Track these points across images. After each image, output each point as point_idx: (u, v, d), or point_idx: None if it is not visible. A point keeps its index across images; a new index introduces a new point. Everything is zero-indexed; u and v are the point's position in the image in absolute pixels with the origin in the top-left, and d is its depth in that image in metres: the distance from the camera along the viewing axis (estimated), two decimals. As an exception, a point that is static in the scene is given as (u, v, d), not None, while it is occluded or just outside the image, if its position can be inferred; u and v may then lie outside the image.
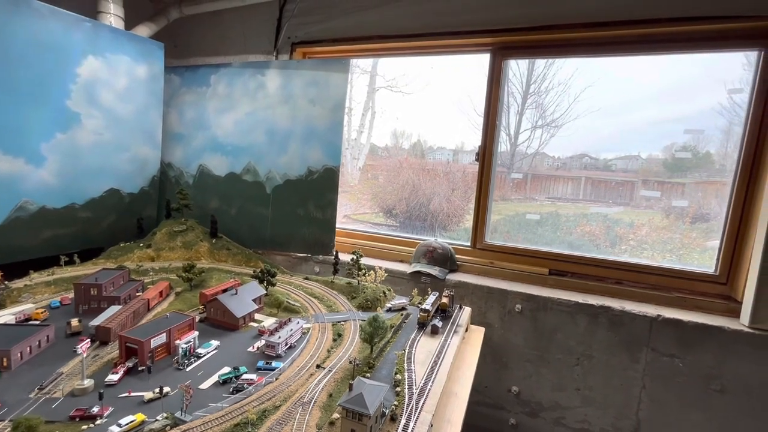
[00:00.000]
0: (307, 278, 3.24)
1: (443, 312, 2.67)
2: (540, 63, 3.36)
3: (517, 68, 3.40)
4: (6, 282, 2.56)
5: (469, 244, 3.51)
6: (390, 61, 4.10)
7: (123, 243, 3.52)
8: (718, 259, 2.77)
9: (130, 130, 3.67)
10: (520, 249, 3.30)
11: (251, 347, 2.16)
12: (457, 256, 3.42)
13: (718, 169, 2.79)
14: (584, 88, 3.19)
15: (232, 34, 4.14)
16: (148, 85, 3.75)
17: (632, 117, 3.10)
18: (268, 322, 2.45)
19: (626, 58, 3.01)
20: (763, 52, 2.56)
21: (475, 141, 3.35)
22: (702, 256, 2.91)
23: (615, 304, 2.75)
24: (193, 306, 2.67)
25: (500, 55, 3.24)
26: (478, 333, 2.79)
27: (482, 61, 3.31)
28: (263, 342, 2.12)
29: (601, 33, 2.84)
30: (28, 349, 1.94)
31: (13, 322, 2.20)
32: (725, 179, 2.77)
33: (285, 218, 3.78)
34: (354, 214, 4.67)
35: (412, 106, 4.11)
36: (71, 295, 2.60)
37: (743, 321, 2.51)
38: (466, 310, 2.80)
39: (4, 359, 1.82)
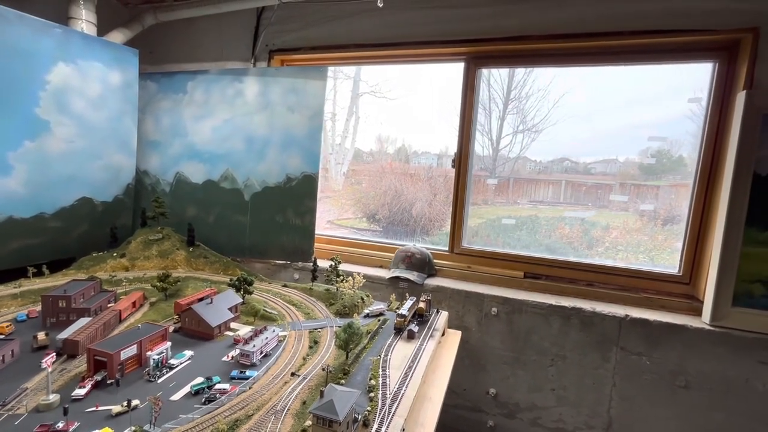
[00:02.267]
0: (285, 285, 3.23)
1: (420, 317, 2.70)
2: (520, 70, 3.47)
3: (498, 75, 3.49)
4: (-31, 295, 2.47)
5: (447, 248, 3.56)
6: (372, 68, 4.15)
7: (95, 253, 3.44)
8: (681, 259, 2.89)
9: (103, 137, 3.61)
10: (496, 253, 3.37)
11: (225, 356, 2.14)
12: (435, 260, 3.47)
13: (690, 172, 2.92)
14: (562, 94, 3.31)
15: (209, 40, 4.12)
16: (122, 91, 3.69)
17: (609, 122, 3.23)
18: (244, 330, 2.43)
19: (596, 67, 3.14)
20: (717, 64, 2.71)
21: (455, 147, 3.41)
22: (671, 257, 3.04)
23: (586, 305, 2.84)
24: (168, 316, 2.63)
25: (474, 64, 3.32)
26: (455, 336, 2.83)
27: (459, 69, 3.39)
28: (238, 351, 2.10)
29: (568, 44, 2.96)
30: (-9, 364, 1.88)
31: (-24, 337, 2.13)
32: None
33: (264, 225, 3.76)
34: (338, 219, 4.67)
35: (395, 111, 4.17)
36: (39, 307, 2.52)
37: (704, 319, 2.62)
38: (443, 315, 2.84)
39: (-35, 376, 1.76)
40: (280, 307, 2.84)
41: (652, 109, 3.07)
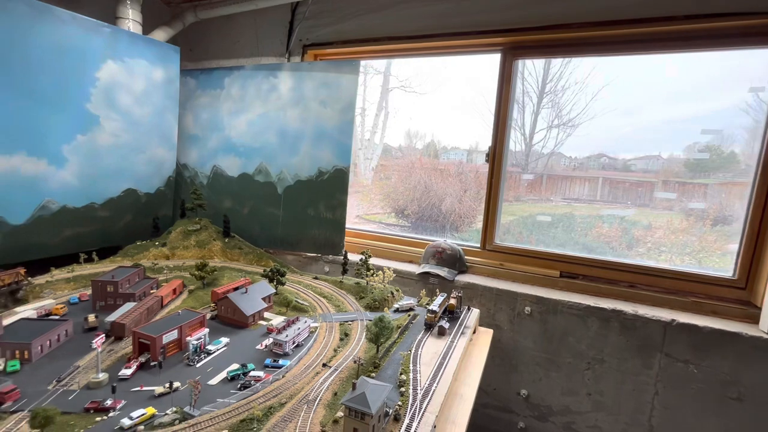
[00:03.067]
0: (316, 278, 3.28)
1: (451, 313, 2.66)
2: (556, 61, 3.32)
3: (533, 67, 3.36)
4: (28, 278, 2.67)
5: (478, 245, 3.49)
6: (403, 62, 4.10)
7: (139, 242, 3.62)
8: (736, 262, 2.68)
9: (147, 132, 3.78)
10: (530, 251, 3.26)
11: (259, 345, 2.20)
12: (466, 257, 3.41)
13: (743, 170, 2.69)
14: (602, 86, 3.13)
15: (245, 37, 4.21)
16: (164, 88, 3.85)
17: (652, 116, 3.03)
18: (277, 320, 2.49)
19: (642, 56, 2.95)
20: (785, 49, 2.47)
21: (489, 141, 3.31)
22: (722, 260, 2.82)
23: (627, 307, 2.69)
24: (205, 303, 2.73)
25: (510, 55, 3.21)
26: (486, 335, 2.77)
27: (495, 60, 3.28)
28: (271, 340, 2.15)
29: (613, 32, 2.79)
30: (48, 342, 2.02)
31: (35, 316, 2.29)
32: (749, 180, 2.67)
33: (296, 218, 3.83)
34: (366, 214, 4.69)
35: (425, 105, 4.11)
36: (89, 291, 2.69)
37: (763, 327, 2.42)
38: (475, 312, 2.79)
39: (26, 352, 1.91)
40: (311, 299, 2.88)
41: (700, 101, 2.85)
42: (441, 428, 1.74)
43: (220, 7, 3.95)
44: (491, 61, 3.34)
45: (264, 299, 2.61)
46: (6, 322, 2.12)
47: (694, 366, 2.51)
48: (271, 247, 3.85)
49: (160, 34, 3.91)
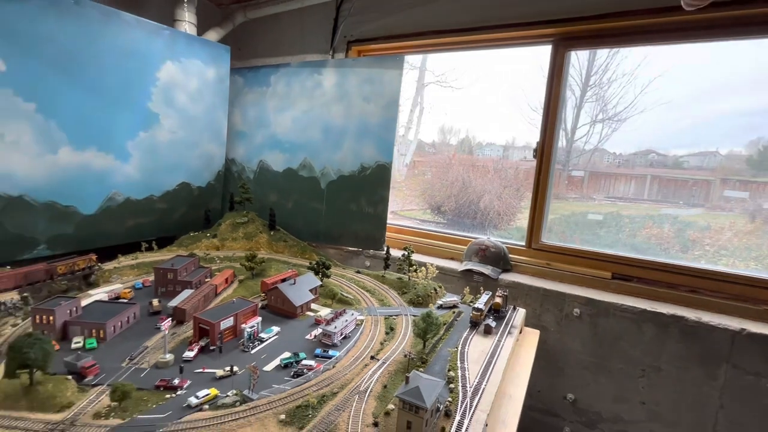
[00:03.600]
0: (358, 272, 3.33)
1: (496, 312, 2.61)
2: (602, 52, 3.14)
3: (576, 59, 3.20)
4: (99, 264, 2.90)
5: (523, 243, 3.40)
6: (439, 56, 4.04)
7: (192, 232, 3.83)
8: (819, 269, 2.44)
9: (200, 128, 3.98)
10: (580, 251, 3.13)
11: (309, 335, 2.26)
12: (510, 255, 3.33)
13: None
14: (653, 78, 2.92)
15: (291, 35, 4.31)
16: (215, 86, 4.03)
17: (709, 109, 2.79)
18: (324, 312, 2.55)
19: (704, 44, 2.72)
20: None
21: (527, 137, 3.22)
22: (799, 266, 2.58)
23: (689, 314, 2.53)
24: (255, 293, 2.84)
25: (563, 46, 3.07)
26: (533, 335, 2.70)
27: (537, 53, 3.16)
28: (320, 331, 2.21)
29: (670, 18, 2.60)
30: (120, 323, 2.19)
31: (106, 299, 2.49)
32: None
33: (338, 213, 3.90)
34: (401, 210, 4.68)
35: (461, 101, 4.04)
36: (151, 277, 2.88)
37: None
38: (521, 312, 2.72)
39: (101, 331, 2.08)
40: (355, 292, 2.93)
41: (764, 92, 2.59)
42: (492, 428, 1.72)
43: (268, 6, 4.07)
44: (534, 54, 3.22)
45: (311, 291, 2.69)
46: (83, 303, 2.32)
47: (766, 380, 2.32)
48: (313, 241, 3.94)
49: (213, 35, 4.08)
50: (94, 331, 2.07)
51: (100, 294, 2.53)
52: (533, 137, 3.26)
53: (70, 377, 1.69)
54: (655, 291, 2.78)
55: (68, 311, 2.10)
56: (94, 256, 2.83)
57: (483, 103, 3.93)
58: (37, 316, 2.02)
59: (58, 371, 1.73)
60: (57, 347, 1.94)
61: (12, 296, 2.31)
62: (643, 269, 2.90)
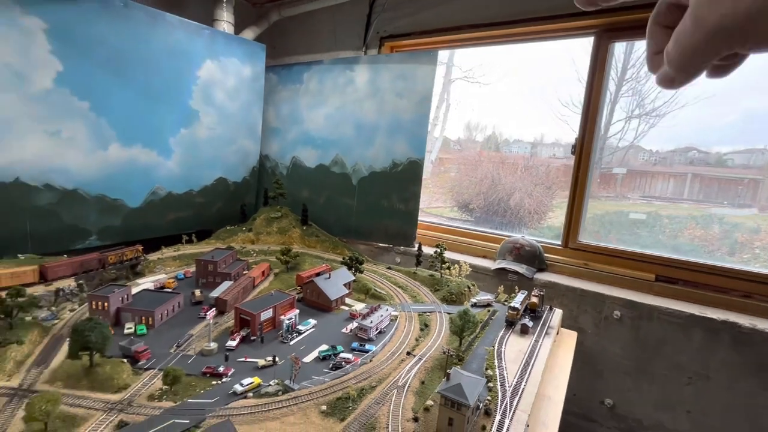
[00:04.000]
0: (390, 268, 3.34)
1: (532, 312, 2.56)
2: (641, 43, 2.99)
3: (613, 51, 3.06)
4: (145, 255, 3.04)
5: (558, 242, 3.30)
6: (467, 52, 3.96)
7: (228, 226, 3.95)
8: None
9: (236, 125, 4.09)
10: (620, 251, 3.02)
11: (344, 329, 2.30)
12: (545, 254, 3.24)
13: None
14: None
15: (324, 32, 4.36)
16: (251, 84, 4.13)
17: (756, 104, 2.62)
18: (358, 306, 2.58)
19: None
20: None
21: (556, 133, 3.12)
22: None
23: (743, 320, 2.39)
24: (290, 286, 2.91)
25: (606, 37, 2.95)
26: (570, 337, 2.63)
27: (569, 46, 3.04)
28: (356, 325, 2.24)
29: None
30: (166, 312, 2.29)
31: (153, 288, 2.61)
32: None
33: (369, 209, 3.92)
34: (427, 207, 4.66)
35: (488, 97, 3.95)
36: (192, 268, 3.00)
37: None
38: (557, 312, 2.65)
39: (150, 318, 2.18)
40: (388, 288, 2.94)
41: None
42: (532, 429, 1.69)
43: (302, 4, 4.12)
44: (566, 48, 3.11)
45: (345, 285, 2.72)
46: (132, 291, 2.44)
47: (830, 393, 2.17)
48: (344, 236, 3.98)
49: (249, 34, 4.18)
50: (143, 318, 2.18)
51: (147, 283, 2.66)
52: (563, 134, 3.17)
53: (125, 360, 1.79)
54: (703, 295, 2.64)
55: (120, 298, 2.22)
56: (140, 247, 2.98)
57: (511, 99, 3.84)
58: (94, 302, 2.15)
59: (113, 354, 1.83)
60: (112, 332, 2.06)
61: (69, 283, 2.46)
62: (690, 272, 2.75)
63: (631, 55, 3.08)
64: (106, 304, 2.14)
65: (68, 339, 1.76)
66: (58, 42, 2.73)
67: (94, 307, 2.15)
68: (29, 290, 2.18)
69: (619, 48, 3.06)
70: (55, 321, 2.13)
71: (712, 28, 0.36)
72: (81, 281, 2.52)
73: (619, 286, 2.90)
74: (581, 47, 3.08)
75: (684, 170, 3.04)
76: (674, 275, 2.80)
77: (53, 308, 2.26)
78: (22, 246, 2.80)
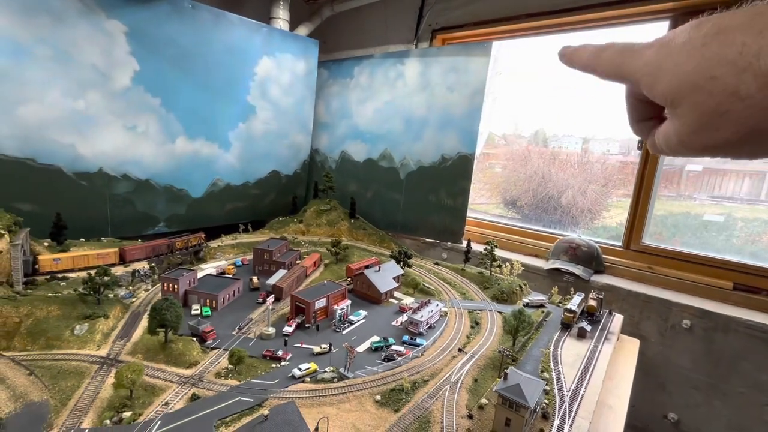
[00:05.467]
0: (437, 263, 3.31)
1: (590, 315, 2.43)
2: None
3: None
4: (207, 242, 3.25)
5: (619, 243, 3.11)
6: (514, 44, 3.78)
7: (281, 217, 4.12)
8: None
9: (290, 120, 4.23)
10: (692, 255, 2.78)
11: (395, 322, 2.32)
12: (603, 256, 3.06)
13: None
14: None
15: (375, 25, 4.36)
16: (304, 79, 4.25)
17: None
18: (408, 300, 2.59)
19: None
20: None
21: (611, 128, 2.87)
22: None
23: (842, 338, 2.12)
24: (340, 277, 2.98)
25: (682, 21, 2.69)
26: (632, 345, 2.47)
27: (626, 33, 2.78)
28: (406, 318, 2.25)
29: None
30: (227, 296, 2.44)
31: (215, 273, 2.79)
32: None
33: (416, 204, 3.91)
34: (472, 204, 4.55)
35: (536, 90, 3.76)
36: (249, 256, 3.16)
37: None
38: (618, 318, 2.50)
39: (214, 301, 2.33)
40: (435, 284, 2.92)
41: None
42: (593, 437, 1.61)
43: (354, -1, 4.16)
44: (622, 37, 2.85)
45: (394, 279, 2.74)
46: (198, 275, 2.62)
47: None
48: (391, 230, 4.00)
49: (302, 30, 4.29)
50: (208, 300, 2.34)
51: (209, 268, 2.84)
52: (618, 129, 2.94)
53: (194, 339, 1.93)
54: (792, 307, 2.37)
55: (188, 281, 2.39)
56: (203, 235, 3.18)
57: (560, 92, 3.63)
58: (166, 284, 2.34)
59: (183, 333, 1.98)
60: (181, 312, 2.23)
61: (143, 265, 2.69)
62: (776, 281, 2.48)
63: None
64: (176, 286, 2.31)
65: (147, 315, 1.92)
66: (135, 43, 2.97)
67: (165, 288, 2.34)
68: (112, 270, 2.41)
69: None
70: (133, 299, 2.34)
71: (697, 149, 0.43)
72: (153, 264, 2.75)
73: (689, 293, 2.68)
74: (640, 36, 2.84)
75: (762, 168, 2.74)
76: (755, 284, 2.54)
77: (130, 287, 2.48)
78: (103, 230, 3.09)
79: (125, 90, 3.00)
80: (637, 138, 2.97)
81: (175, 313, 1.79)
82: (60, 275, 2.39)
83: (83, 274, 2.24)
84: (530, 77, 3.81)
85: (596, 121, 3.52)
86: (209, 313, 2.27)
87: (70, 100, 2.77)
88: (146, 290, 2.48)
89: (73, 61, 2.75)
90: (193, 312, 2.26)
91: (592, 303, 2.45)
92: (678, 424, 2.63)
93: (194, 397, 1.53)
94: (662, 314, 2.63)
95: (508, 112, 4.15)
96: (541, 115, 3.93)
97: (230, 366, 1.74)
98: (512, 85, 3.96)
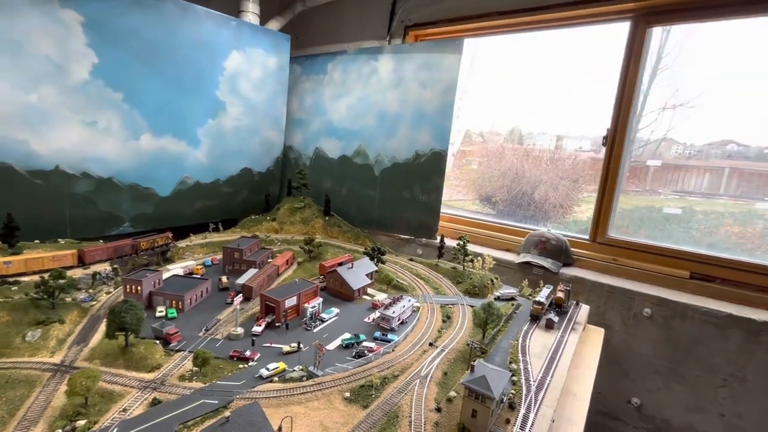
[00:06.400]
0: (411, 259, 3.33)
1: (558, 307, 2.50)
2: (677, 31, 2.82)
3: (646, 39, 2.90)
4: (174, 242, 3.15)
5: (586, 236, 3.21)
6: (491, 43, 3.85)
7: (253, 215, 4.03)
8: None
9: (261, 116, 4.15)
10: (653, 247, 2.90)
11: (367, 318, 2.31)
12: (572, 249, 3.16)
13: None
14: (741, 58, 2.57)
15: (348, 22, 4.33)
16: (276, 74, 4.16)
17: None
18: (381, 296, 2.59)
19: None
20: None
21: (582, 126, 2.99)
22: None
23: (786, 321, 2.26)
24: (313, 275, 2.94)
25: (644, 22, 2.81)
26: (597, 334, 2.56)
27: (599, 35, 2.88)
28: (378, 314, 2.25)
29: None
30: (195, 296, 2.37)
31: (182, 274, 2.70)
32: None
33: (391, 200, 3.91)
34: (448, 200, 4.60)
35: (511, 89, 3.84)
36: (219, 256, 3.08)
37: None
38: (584, 308, 2.58)
39: (180, 302, 2.26)
40: (409, 279, 2.93)
41: None
42: (558, 425, 1.66)
43: (326, -7, 4.10)
44: (593, 35, 2.95)
45: (367, 275, 2.73)
46: (163, 276, 2.53)
47: None
48: (366, 227, 3.99)
49: (274, 24, 4.20)
50: (174, 301, 2.26)
51: (176, 269, 2.75)
52: (590, 126, 3.05)
53: (157, 342, 1.86)
54: (743, 294, 2.51)
55: (152, 282, 2.31)
56: (170, 234, 3.08)
57: (535, 90, 3.71)
58: (128, 286, 2.25)
59: (146, 336, 1.91)
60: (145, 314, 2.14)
61: (105, 267, 2.58)
62: (729, 269, 2.62)
63: (667, 42, 2.91)
64: (139, 287, 2.22)
65: (105, 319, 1.84)
66: (93, 34, 2.83)
67: (128, 290, 2.25)
68: (69, 273, 2.30)
69: (655, 36, 2.89)
70: (93, 302, 2.24)
71: None
72: (116, 266, 2.64)
73: (650, 283, 2.79)
74: (612, 36, 2.94)
75: (721, 164, 2.88)
76: (711, 273, 2.67)
77: (90, 290, 2.37)
78: (61, 231, 2.94)
79: (83, 84, 2.86)
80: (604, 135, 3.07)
81: (136, 315, 1.73)
82: (11, 279, 2.26)
83: (37, 277, 2.12)
84: (505, 74, 3.86)
85: (569, 119, 3.60)
86: (175, 314, 2.19)
87: (21, 93, 2.62)
88: (108, 293, 2.38)
89: (24, 53, 2.59)
90: (157, 314, 2.18)
91: (560, 295, 2.52)
92: (641, 408, 2.74)
93: (155, 402, 1.48)
94: (625, 304, 2.74)
95: (485, 111, 4.21)
96: (516, 113, 4.00)
97: (195, 368, 1.69)
98: (489, 83, 4.02)
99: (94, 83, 2.89)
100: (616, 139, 2.99)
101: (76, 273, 2.46)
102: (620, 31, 2.91)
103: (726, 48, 2.66)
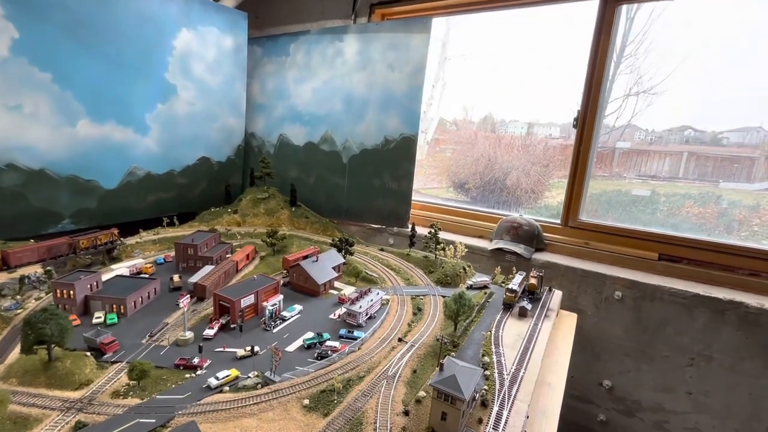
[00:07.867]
0: (382, 249, 3.19)
1: (531, 294, 2.43)
2: (642, 17, 2.79)
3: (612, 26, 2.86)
4: (121, 239, 2.87)
5: (557, 221, 3.17)
6: (464, 29, 3.70)
7: (213, 208, 3.77)
8: None
9: (218, 100, 3.85)
10: (622, 229, 2.89)
11: (332, 314, 2.16)
12: (544, 234, 3.11)
13: None
14: (698, 45, 2.58)
15: (311, 0, 4.06)
16: (233, 56, 3.86)
17: (753, 82, 2.47)
18: (348, 290, 2.44)
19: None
20: None
21: (552, 114, 2.95)
22: None
23: (751, 299, 2.28)
24: (277, 270, 2.76)
25: (612, 3, 2.73)
26: (570, 319, 2.52)
27: (565, 14, 2.79)
28: (344, 310, 2.10)
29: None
30: (140, 299, 2.14)
31: (128, 274, 2.45)
32: None
33: (361, 188, 3.74)
34: (422, 188, 4.50)
35: (484, 76, 3.75)
36: (173, 253, 2.83)
37: None
38: (557, 294, 2.53)
39: (122, 306, 2.03)
40: (380, 271, 2.80)
41: None
42: (532, 419, 1.58)
43: (285, -32, 3.82)
44: (563, 17, 2.87)
45: (334, 268, 2.57)
46: (104, 278, 2.28)
47: (840, 374, 2.08)
48: (335, 217, 3.82)
49: (229, 1, 3.88)
50: (114, 306, 2.03)
51: (121, 269, 2.50)
52: (559, 113, 3.00)
53: (89, 353, 1.64)
54: (709, 274, 2.53)
55: (89, 285, 2.06)
56: (116, 231, 2.80)
57: (507, 77, 3.63)
58: (58, 290, 1.99)
59: (78, 347, 1.68)
60: (78, 322, 1.91)
61: (36, 270, 2.29)
62: (695, 250, 2.64)
63: (630, 30, 2.87)
64: (71, 292, 1.97)
65: (21, 332, 1.60)
66: (10, 5, 2.47)
67: (59, 295, 1.99)
68: (-11, 278, 2.02)
69: (621, 23, 2.83)
70: (19, 311, 1.97)
71: None
72: (50, 268, 2.35)
73: (620, 266, 2.78)
74: (581, 15, 2.86)
75: (680, 149, 2.93)
76: (678, 254, 2.68)
77: (18, 297, 2.09)
78: (-14, 231, 2.61)
79: (2, 61, 2.50)
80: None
81: (58, 324, 1.50)
82: None
83: (-54, 284, 1.84)
84: (477, 59, 3.73)
85: (540, 107, 3.54)
86: (116, 320, 1.96)
87: None
88: (38, 299, 2.11)
89: (-77, 24, 2.22)
90: (94, 320, 1.94)
91: (533, 281, 2.45)
92: (612, 390, 2.75)
93: (78, 426, 1.28)
94: (597, 287, 2.71)
95: (458, 98, 4.10)
96: (489, 100, 3.91)
97: (131, 382, 1.49)
98: (461, 69, 3.88)
99: (14, 61, 2.54)
100: (586, 120, 2.93)
101: (0, 277, 2.17)
102: (589, 11, 2.82)
103: (684, 36, 2.66)
